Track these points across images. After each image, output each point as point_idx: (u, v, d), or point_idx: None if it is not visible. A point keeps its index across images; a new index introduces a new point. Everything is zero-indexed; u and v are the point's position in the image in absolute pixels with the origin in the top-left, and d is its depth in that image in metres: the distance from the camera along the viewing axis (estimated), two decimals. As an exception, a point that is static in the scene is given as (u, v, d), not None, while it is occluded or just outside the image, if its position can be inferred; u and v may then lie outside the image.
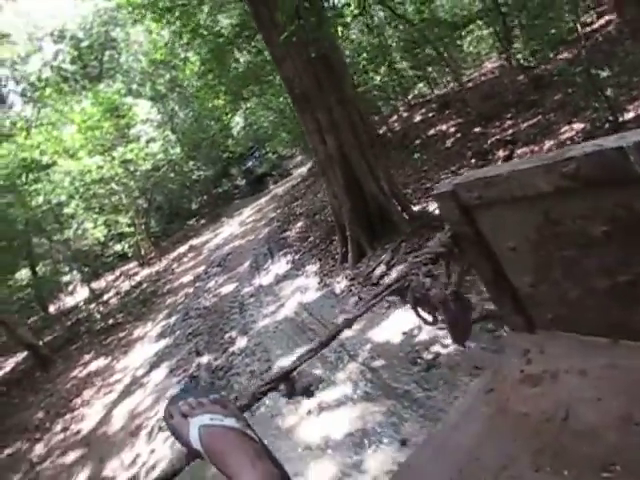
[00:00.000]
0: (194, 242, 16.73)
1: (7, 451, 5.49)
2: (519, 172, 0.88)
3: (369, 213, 5.79)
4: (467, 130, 9.02)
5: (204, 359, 5.38)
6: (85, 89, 19.31)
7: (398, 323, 3.73)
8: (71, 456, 4.66)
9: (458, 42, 11.02)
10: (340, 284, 5.31)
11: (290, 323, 5.12)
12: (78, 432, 5.14)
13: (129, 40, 20.20)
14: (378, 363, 3.45)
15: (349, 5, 5.89)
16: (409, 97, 14.56)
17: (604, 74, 5.70)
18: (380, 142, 11.66)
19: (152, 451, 3.99)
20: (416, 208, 6.12)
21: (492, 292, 1.07)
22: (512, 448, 0.78)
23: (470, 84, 12.09)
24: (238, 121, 18.93)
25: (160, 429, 4.23)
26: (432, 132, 10.82)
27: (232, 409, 0.73)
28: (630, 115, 5.44)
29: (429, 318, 0.99)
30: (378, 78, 11.03)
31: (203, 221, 21.92)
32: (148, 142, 18.02)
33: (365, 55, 9.94)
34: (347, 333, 3.89)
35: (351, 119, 5.55)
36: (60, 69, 20.31)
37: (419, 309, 0.98)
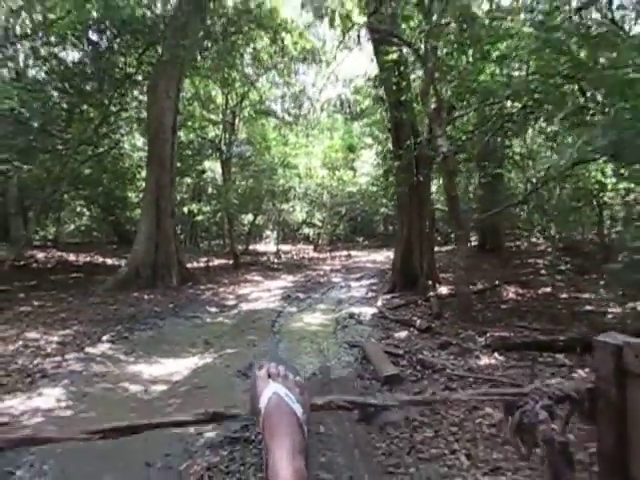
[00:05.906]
0: (352, 252, 22.77)
1: (209, 285, 12.19)
2: None
3: (408, 275, 10.55)
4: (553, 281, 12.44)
5: (299, 294, 11.10)
6: (343, 140, 27.16)
7: (365, 309, 8.73)
8: (230, 296, 10.90)
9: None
10: (370, 295, 10.37)
11: (339, 299, 10.43)
12: (236, 292, 11.42)
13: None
14: (343, 315, 8.55)
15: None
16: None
17: None
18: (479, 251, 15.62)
19: (260, 305, 9.85)
20: (439, 287, 10.60)
21: (602, 464, 0.97)
22: None
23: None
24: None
25: (266, 301, 10.06)
26: (529, 261, 14.26)
27: (306, 400, 0.79)
28: None
29: (524, 449, 0.88)
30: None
31: (369, 242, 28.04)
32: (361, 175, 24.81)
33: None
34: (348, 306, 9.18)
35: (421, 226, 10.44)
36: (341, 103, 28.60)
37: (518, 434, 0.87)
